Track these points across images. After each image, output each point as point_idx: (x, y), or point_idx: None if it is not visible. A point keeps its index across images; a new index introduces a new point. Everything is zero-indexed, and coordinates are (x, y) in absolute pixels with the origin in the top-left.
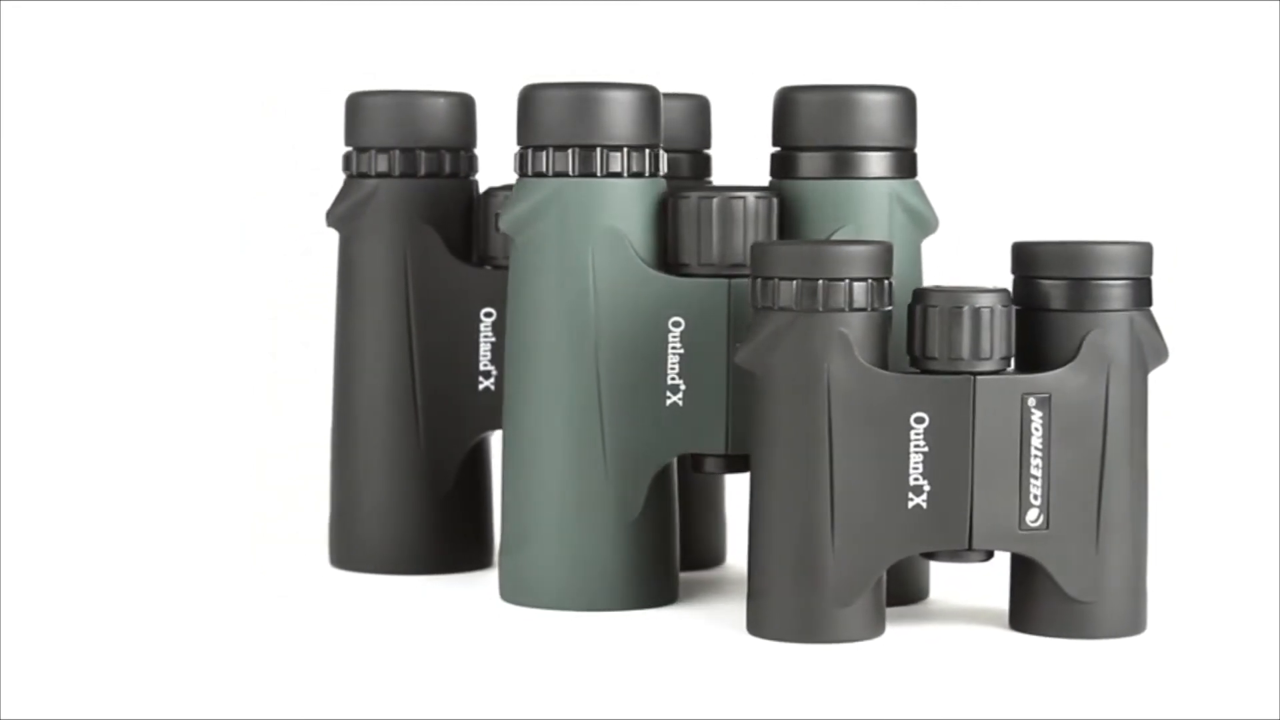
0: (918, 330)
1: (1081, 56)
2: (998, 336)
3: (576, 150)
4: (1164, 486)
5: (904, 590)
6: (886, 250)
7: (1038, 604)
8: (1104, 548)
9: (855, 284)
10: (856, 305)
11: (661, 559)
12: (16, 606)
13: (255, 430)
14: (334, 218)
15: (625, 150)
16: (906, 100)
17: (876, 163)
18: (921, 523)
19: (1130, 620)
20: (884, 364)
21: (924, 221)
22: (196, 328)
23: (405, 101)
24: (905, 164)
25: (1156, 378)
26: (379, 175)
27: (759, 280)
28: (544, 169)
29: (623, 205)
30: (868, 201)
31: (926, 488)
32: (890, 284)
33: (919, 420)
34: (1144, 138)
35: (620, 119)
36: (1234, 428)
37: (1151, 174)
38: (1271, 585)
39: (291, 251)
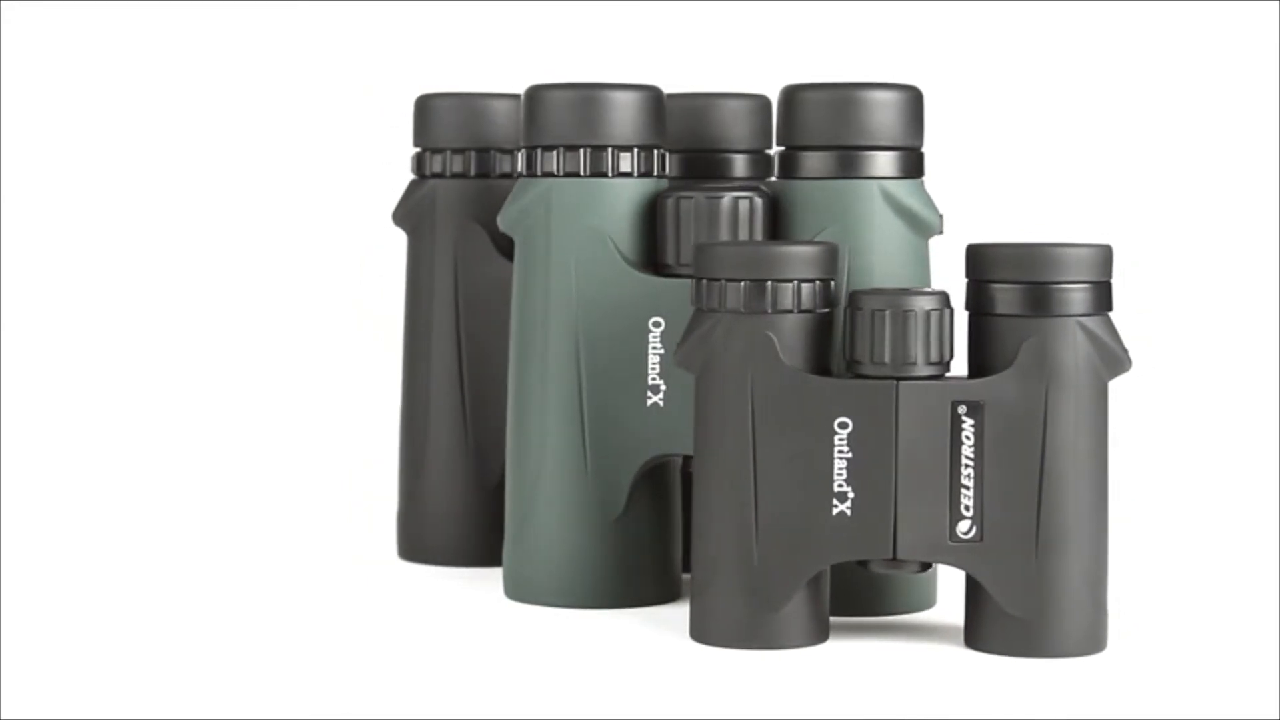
0: (846, 333)
1: (1092, 56)
2: (925, 341)
3: (563, 150)
4: (1145, 500)
5: (909, 599)
6: (825, 252)
7: (983, 620)
8: (1046, 563)
9: (781, 285)
10: (782, 307)
11: (652, 559)
12: (73, 603)
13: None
14: (397, 217)
15: (611, 150)
16: (910, 99)
17: (874, 162)
18: (845, 530)
19: (1087, 639)
20: (820, 367)
21: (921, 222)
22: (220, 325)
23: (464, 104)
24: (907, 164)
25: (1132, 387)
26: (434, 175)
27: (695, 280)
28: (536, 169)
29: (610, 205)
30: (856, 202)
31: (850, 495)
32: (830, 285)
33: (842, 425)
34: (1157, 138)
35: (610, 120)
36: (1216, 436)
37: (1167, 175)
38: (1245, 606)
39: (356, 252)
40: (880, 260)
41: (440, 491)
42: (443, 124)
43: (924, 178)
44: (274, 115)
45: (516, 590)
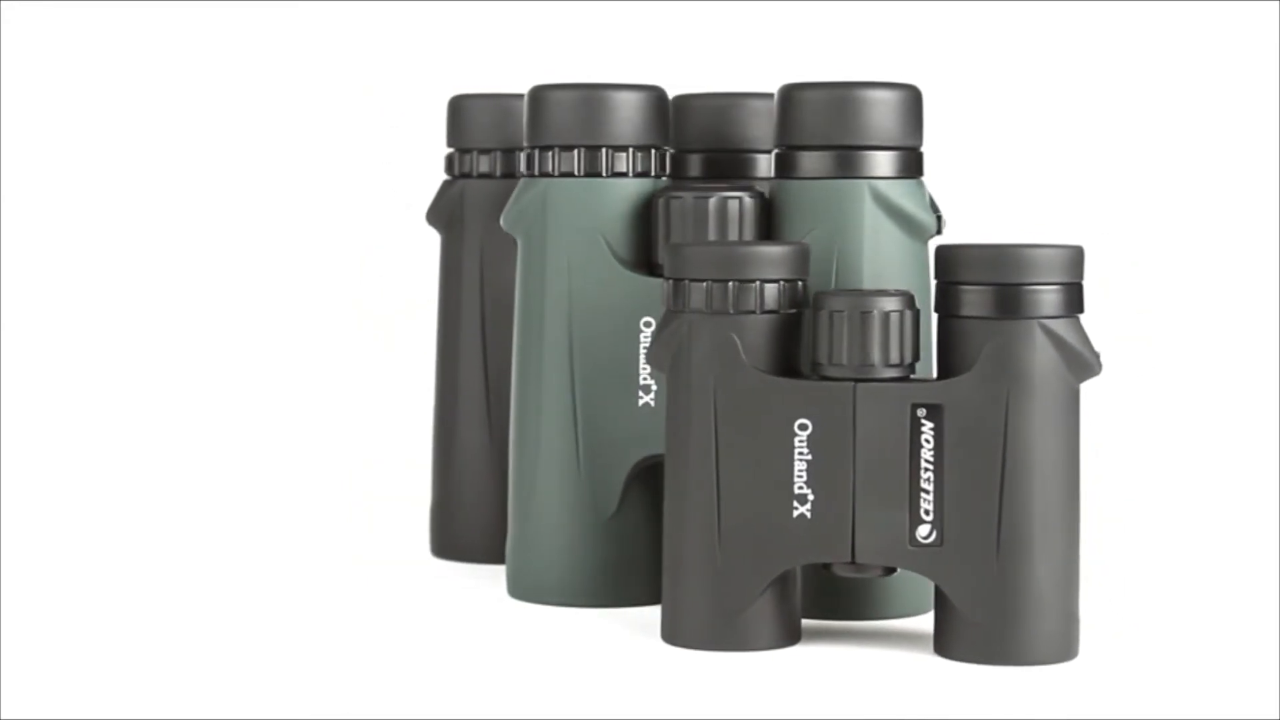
0: (809, 334)
1: (1093, 55)
2: (884, 342)
3: (559, 150)
4: (1141, 502)
5: (906, 602)
6: (791, 253)
7: (949, 626)
8: (1008, 569)
9: (744, 286)
10: (745, 308)
11: (645, 558)
12: (109, 600)
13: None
14: (430, 217)
15: (606, 150)
16: (907, 98)
17: (870, 162)
18: (805, 533)
19: (1055, 646)
20: (788, 368)
21: (914, 223)
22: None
23: (494, 105)
24: (904, 163)
25: (1130, 387)
26: (462, 175)
27: (666, 280)
28: (534, 169)
29: (605, 205)
30: (845, 203)
31: (810, 497)
32: (798, 286)
33: (802, 427)
34: (1158, 138)
35: (606, 120)
36: (1215, 437)
37: (1167, 175)
38: (1229, 616)
39: (356, 252)
40: (870, 261)
41: (468, 489)
42: (473, 124)
43: (923, 177)
44: (274, 116)
45: (516, 588)
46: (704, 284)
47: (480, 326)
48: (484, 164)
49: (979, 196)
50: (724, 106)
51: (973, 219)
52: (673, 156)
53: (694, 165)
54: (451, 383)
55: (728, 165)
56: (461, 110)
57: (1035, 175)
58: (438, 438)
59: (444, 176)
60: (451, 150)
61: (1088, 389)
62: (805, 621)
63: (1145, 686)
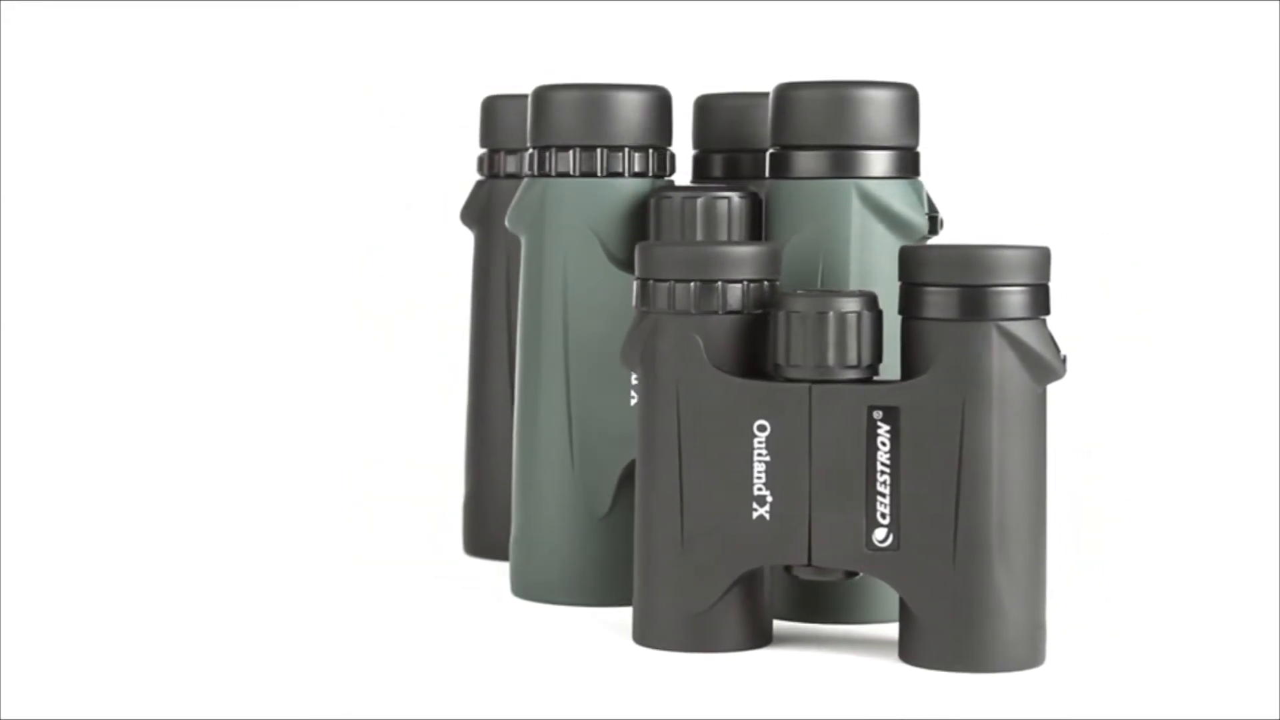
0: (769, 336)
1: (1092, 55)
2: (840, 344)
3: (556, 150)
4: (1139, 502)
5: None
6: (757, 254)
7: (910, 632)
8: (966, 574)
9: (707, 286)
10: (707, 308)
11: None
12: (138, 600)
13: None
14: (464, 217)
15: (603, 151)
16: (902, 98)
17: (863, 162)
18: (764, 534)
19: (1018, 653)
20: (753, 368)
21: (903, 224)
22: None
23: (524, 106)
24: (899, 163)
25: (1130, 387)
26: (493, 176)
27: (635, 280)
28: (533, 169)
29: (602, 205)
30: (832, 203)
31: (769, 498)
32: (764, 286)
33: (761, 428)
34: (1158, 138)
35: (605, 121)
36: (1214, 437)
37: (1167, 175)
38: (1206, 624)
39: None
40: (858, 261)
41: (499, 485)
42: (504, 125)
43: (919, 177)
44: (275, 117)
45: (517, 586)
46: (668, 284)
47: (508, 324)
48: (512, 164)
49: (978, 197)
50: (745, 106)
51: (971, 219)
52: (696, 157)
53: (717, 165)
54: (482, 380)
55: (750, 165)
56: (494, 111)
57: (1035, 175)
58: (470, 434)
59: (465, 178)
60: (484, 150)
61: (1088, 389)
62: (779, 624)
63: (1106, 696)
